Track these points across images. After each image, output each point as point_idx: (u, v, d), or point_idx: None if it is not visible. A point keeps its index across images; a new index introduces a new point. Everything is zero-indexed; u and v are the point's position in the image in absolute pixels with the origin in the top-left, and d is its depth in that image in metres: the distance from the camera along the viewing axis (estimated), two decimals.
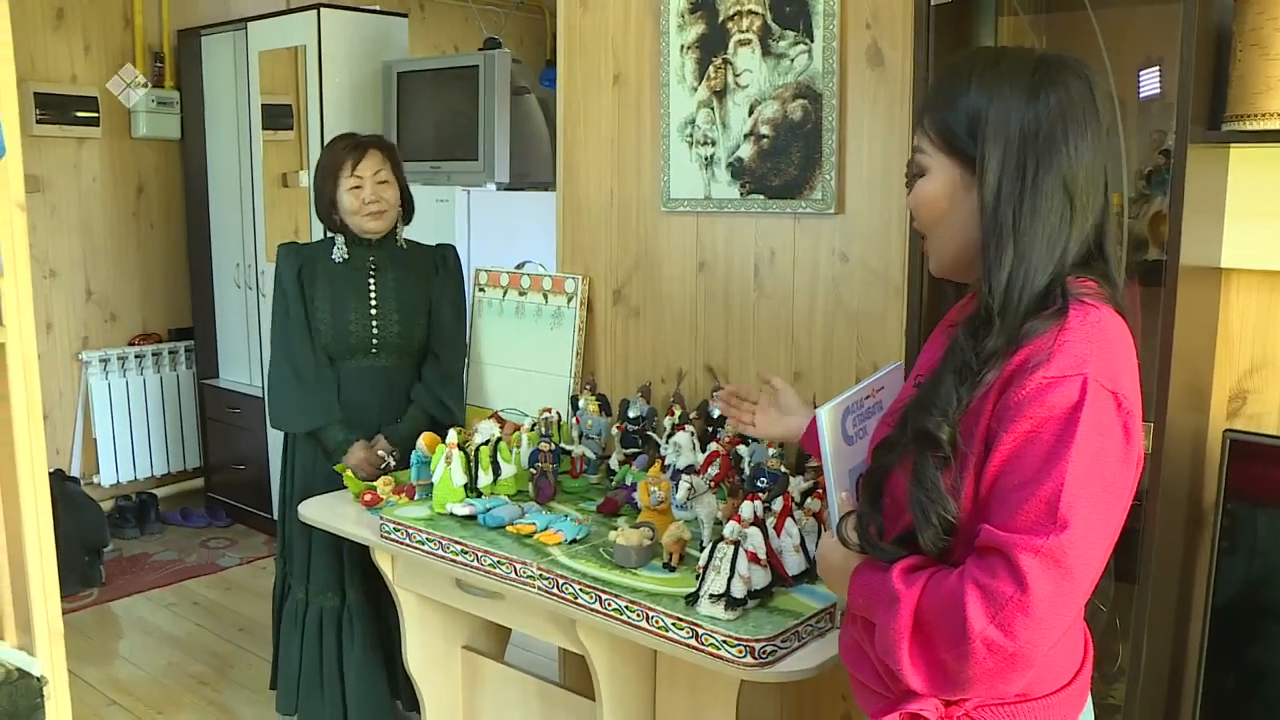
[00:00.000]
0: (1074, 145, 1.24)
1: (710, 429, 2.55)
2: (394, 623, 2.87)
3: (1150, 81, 2.09)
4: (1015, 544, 1.12)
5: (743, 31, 2.55)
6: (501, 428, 2.58)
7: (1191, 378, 1.90)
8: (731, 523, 1.91)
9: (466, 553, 2.22)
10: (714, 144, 2.64)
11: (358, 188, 2.79)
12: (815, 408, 1.49)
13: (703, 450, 2.37)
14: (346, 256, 2.85)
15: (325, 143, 2.96)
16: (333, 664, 2.88)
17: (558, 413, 2.66)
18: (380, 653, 2.92)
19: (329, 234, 2.89)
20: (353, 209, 2.80)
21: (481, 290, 3.17)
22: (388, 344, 2.86)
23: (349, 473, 2.72)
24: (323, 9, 4.43)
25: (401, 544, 2.35)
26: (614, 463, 2.61)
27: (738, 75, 2.57)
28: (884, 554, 1.28)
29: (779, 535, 1.99)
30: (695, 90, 2.66)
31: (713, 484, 2.23)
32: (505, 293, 3.10)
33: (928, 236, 1.38)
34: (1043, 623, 1.11)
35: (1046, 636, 1.12)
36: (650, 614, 1.90)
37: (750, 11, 2.53)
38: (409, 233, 2.97)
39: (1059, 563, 1.11)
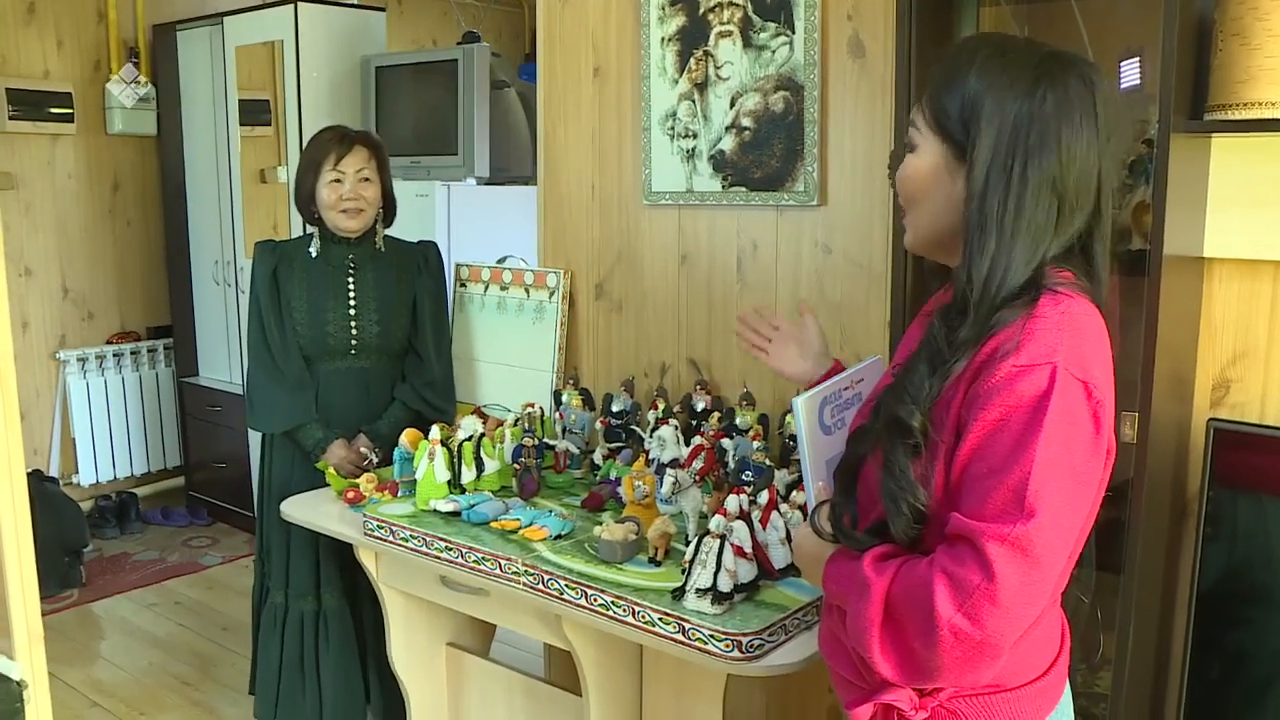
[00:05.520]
0: (1066, 146, 1.23)
1: (694, 423, 2.55)
2: (368, 626, 2.86)
3: (1130, 72, 2.09)
4: (983, 532, 1.12)
5: (723, 24, 2.54)
6: (484, 423, 2.57)
7: (1175, 367, 1.91)
8: (717, 516, 1.90)
9: (451, 549, 2.21)
10: (695, 137, 2.63)
11: (338, 181, 2.74)
12: (801, 393, 1.50)
13: (687, 444, 2.36)
14: (319, 252, 2.81)
15: (306, 137, 2.92)
16: (312, 668, 2.84)
17: (541, 408, 2.65)
18: (356, 656, 2.87)
19: (307, 229, 2.86)
20: (329, 204, 2.74)
21: (463, 285, 3.16)
22: (367, 345, 2.82)
23: (331, 470, 2.70)
24: (300, 3, 4.39)
25: (385, 541, 2.33)
26: (598, 457, 2.60)
27: (719, 67, 2.56)
28: (857, 543, 1.28)
29: (764, 529, 1.98)
30: (676, 83, 2.65)
31: (697, 478, 2.22)
32: (486, 288, 3.09)
33: (907, 212, 1.38)
34: (1010, 611, 1.11)
35: (1015, 625, 1.12)
36: (636, 609, 1.89)
37: (731, 3, 2.52)
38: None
39: (1026, 551, 1.11)
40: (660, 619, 1.86)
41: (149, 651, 3.84)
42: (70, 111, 4.93)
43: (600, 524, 2.13)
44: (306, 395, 2.79)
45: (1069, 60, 1.28)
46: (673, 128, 2.67)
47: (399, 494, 2.48)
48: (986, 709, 1.28)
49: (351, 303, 2.81)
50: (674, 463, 2.26)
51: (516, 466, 2.48)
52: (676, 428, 2.35)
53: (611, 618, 1.93)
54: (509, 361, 3.03)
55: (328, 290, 2.80)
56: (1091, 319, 1.25)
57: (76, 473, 5.10)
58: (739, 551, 1.87)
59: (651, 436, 2.37)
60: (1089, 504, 1.21)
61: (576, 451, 2.63)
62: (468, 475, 2.46)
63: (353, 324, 2.80)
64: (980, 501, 1.15)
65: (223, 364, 5.12)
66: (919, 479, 1.22)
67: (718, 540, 1.86)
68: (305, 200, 2.80)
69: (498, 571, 2.12)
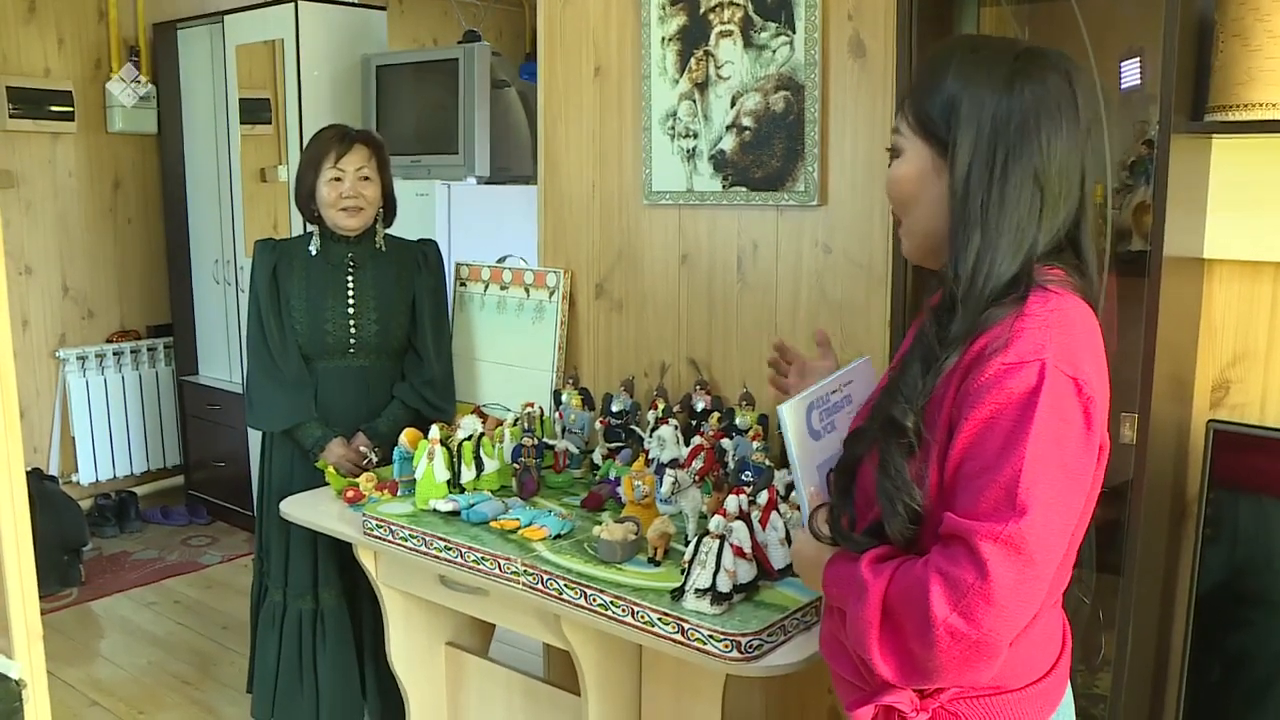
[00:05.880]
0: (1046, 139, 1.24)
1: (694, 422, 2.55)
2: (366, 626, 2.86)
3: (1131, 72, 2.09)
4: (976, 531, 1.12)
5: (724, 23, 2.54)
6: (484, 423, 2.57)
7: (1175, 368, 1.90)
8: (716, 517, 1.90)
9: (450, 549, 2.21)
10: (696, 136, 2.63)
11: (338, 179, 2.74)
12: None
13: (687, 444, 2.36)
14: (319, 250, 2.80)
15: (307, 136, 2.92)
16: (310, 667, 2.84)
17: (540, 407, 2.65)
18: (354, 655, 2.87)
19: (307, 228, 2.85)
20: (329, 202, 2.74)
21: (463, 285, 3.15)
22: (365, 344, 2.81)
23: (331, 469, 2.69)
24: (300, 2, 4.39)
25: (385, 541, 2.33)
26: (597, 457, 2.60)
27: (719, 67, 2.56)
28: (855, 545, 1.28)
29: (764, 529, 1.98)
30: (677, 82, 2.65)
31: (697, 478, 2.22)
32: (486, 287, 3.09)
33: (901, 219, 1.38)
34: (1005, 609, 1.11)
35: (1011, 623, 1.12)
36: (635, 609, 1.89)
37: (732, 3, 2.52)
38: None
39: (1019, 549, 1.11)
40: (659, 619, 1.85)
41: (148, 650, 3.84)
42: (71, 110, 4.93)
43: (600, 524, 2.13)
44: (305, 394, 2.78)
45: (1046, 55, 1.28)
46: (673, 127, 2.67)
47: (398, 493, 2.48)
48: (988, 711, 1.28)
49: (350, 301, 2.80)
50: (674, 463, 2.25)
51: (516, 466, 2.48)
52: (676, 427, 2.35)
53: (611, 618, 1.93)
54: (509, 361, 3.03)
55: (327, 289, 2.79)
56: (1082, 315, 1.25)
57: (76, 471, 5.10)
58: (738, 552, 1.87)
59: (651, 436, 2.37)
60: (1082, 500, 1.21)
61: (576, 451, 2.63)
62: (467, 475, 2.46)
63: (351, 323, 2.80)
64: (973, 500, 1.15)
65: (223, 363, 5.11)
66: (914, 478, 1.22)
67: (717, 540, 1.86)
68: (305, 198, 2.80)
69: (497, 571, 2.12)
